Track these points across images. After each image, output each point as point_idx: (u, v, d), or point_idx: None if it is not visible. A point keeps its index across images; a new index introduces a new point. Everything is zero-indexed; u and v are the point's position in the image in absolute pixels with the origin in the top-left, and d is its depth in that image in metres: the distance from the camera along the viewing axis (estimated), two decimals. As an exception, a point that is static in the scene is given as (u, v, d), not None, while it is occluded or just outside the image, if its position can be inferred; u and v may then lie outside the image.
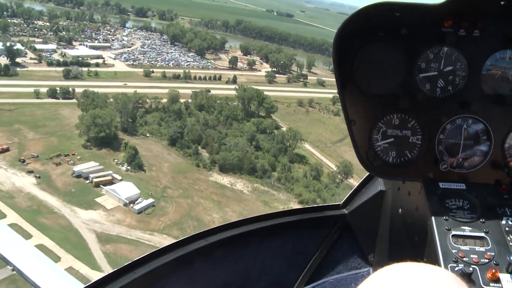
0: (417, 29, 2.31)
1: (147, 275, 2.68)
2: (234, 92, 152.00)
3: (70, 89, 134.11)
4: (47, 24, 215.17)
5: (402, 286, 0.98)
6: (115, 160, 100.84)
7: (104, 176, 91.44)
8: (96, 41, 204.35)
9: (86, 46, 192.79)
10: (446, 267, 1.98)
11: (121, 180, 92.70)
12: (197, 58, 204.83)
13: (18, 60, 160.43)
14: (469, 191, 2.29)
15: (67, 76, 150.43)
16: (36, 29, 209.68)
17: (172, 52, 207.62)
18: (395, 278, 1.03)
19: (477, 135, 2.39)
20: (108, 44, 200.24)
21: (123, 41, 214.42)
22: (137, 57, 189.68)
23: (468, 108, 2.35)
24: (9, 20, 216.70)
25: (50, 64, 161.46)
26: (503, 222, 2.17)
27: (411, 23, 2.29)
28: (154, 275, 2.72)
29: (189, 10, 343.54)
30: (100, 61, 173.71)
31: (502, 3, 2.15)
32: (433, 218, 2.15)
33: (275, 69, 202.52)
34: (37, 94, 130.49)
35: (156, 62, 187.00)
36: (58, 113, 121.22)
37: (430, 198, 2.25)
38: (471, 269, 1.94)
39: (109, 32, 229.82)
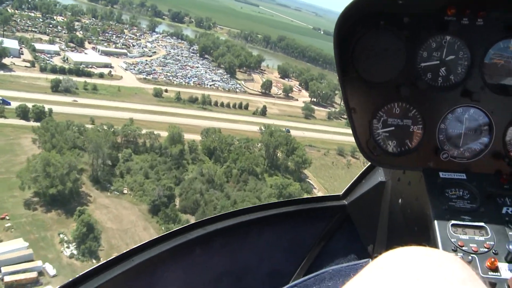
0: (419, 18, 2.26)
1: (146, 262, 2.66)
2: (259, 130, 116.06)
3: (47, 109, 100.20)
4: (66, 20, 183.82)
5: (408, 268, 0.98)
6: (61, 235, 65.75)
7: (25, 271, 56.47)
8: (114, 46, 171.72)
9: (98, 51, 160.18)
10: None
11: (54, 276, 57.69)
12: (225, 77, 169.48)
13: (6, 61, 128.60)
14: (470, 181, 2.26)
15: (55, 88, 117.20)
16: (50, 26, 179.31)
17: (197, 67, 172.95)
18: (400, 261, 1.03)
19: (478, 125, 2.36)
20: (125, 51, 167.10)
21: (144, 48, 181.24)
22: (154, 70, 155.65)
23: (470, 97, 2.30)
24: (22, 13, 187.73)
25: (43, 69, 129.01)
26: (503, 211, 2.15)
27: (414, 12, 2.24)
28: (153, 263, 2.70)
29: (230, 20, 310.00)
30: (107, 71, 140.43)
31: None
32: (432, 207, 2.12)
33: (314, 100, 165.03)
34: (0, 111, 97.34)
35: (174, 79, 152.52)
36: (17, 143, 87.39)
37: (430, 188, 2.22)
38: (470, 258, 1.94)
39: (133, 36, 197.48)
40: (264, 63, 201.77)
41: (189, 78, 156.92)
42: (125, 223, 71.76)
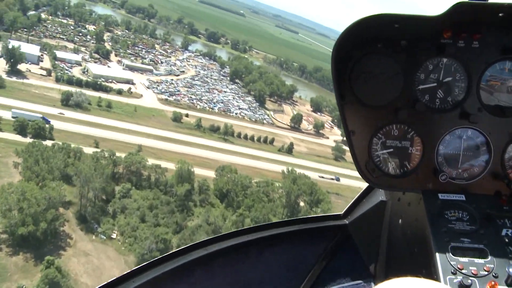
0: (416, 41, 2.28)
1: (146, 284, 2.65)
2: (282, 172, 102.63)
3: (47, 126, 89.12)
4: (97, 29, 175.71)
5: None
6: (22, 289, 53.20)
7: None
8: (141, 61, 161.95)
9: (122, 65, 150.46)
10: (444, 279, 1.96)
11: None
12: (254, 105, 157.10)
13: (22, 67, 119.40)
14: (469, 202, 2.26)
15: (65, 101, 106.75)
16: (80, 34, 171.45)
17: (225, 92, 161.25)
18: None
19: (476, 146, 2.35)
20: (151, 67, 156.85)
21: (173, 66, 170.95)
22: (178, 91, 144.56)
23: (468, 119, 2.30)
24: (55, 19, 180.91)
25: (59, 79, 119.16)
26: (503, 233, 2.13)
27: (411, 35, 2.27)
28: (154, 284, 2.68)
29: (267, 45, 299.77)
30: (127, 87, 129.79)
31: (500, 14, 2.14)
32: (432, 229, 2.12)
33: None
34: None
35: (198, 103, 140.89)
36: (4, 162, 76.03)
37: (429, 209, 2.21)
38: (469, 281, 1.92)
39: (164, 52, 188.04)
40: (297, 94, 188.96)
41: (214, 103, 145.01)
42: (104, 279, 58.52)
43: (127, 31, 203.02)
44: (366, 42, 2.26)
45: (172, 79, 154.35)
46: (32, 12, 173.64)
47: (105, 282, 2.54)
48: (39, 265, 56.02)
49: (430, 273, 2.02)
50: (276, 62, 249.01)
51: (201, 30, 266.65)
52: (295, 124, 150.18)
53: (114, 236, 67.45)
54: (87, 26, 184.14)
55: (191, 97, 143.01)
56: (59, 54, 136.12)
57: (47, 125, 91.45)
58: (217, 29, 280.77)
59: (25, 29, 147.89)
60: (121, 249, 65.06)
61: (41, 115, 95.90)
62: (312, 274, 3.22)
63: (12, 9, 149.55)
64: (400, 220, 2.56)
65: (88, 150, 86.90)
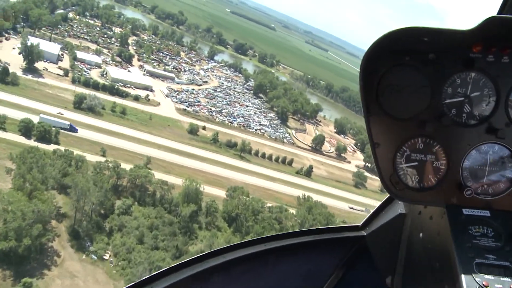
0: (444, 54, 2.27)
1: None
2: (297, 198, 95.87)
3: (53, 129, 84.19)
4: (122, 32, 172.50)
5: None
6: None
7: None
8: (164, 67, 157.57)
9: (144, 70, 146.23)
10: None
11: None
12: (275, 122, 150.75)
13: (39, 65, 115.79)
14: (494, 218, 2.22)
15: (78, 104, 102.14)
16: (105, 36, 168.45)
17: (247, 106, 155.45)
18: None
19: (502, 162, 2.32)
20: (173, 75, 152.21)
21: (196, 76, 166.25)
22: (198, 101, 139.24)
23: (495, 134, 2.28)
24: (82, 19, 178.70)
25: (75, 81, 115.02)
26: None
27: (439, 48, 2.26)
28: None
29: (295, 60, 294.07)
30: (145, 94, 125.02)
31: None
32: (456, 244, 2.09)
33: (369, 165, 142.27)
34: (1, 123, 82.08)
35: (217, 115, 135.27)
36: (2, 164, 71.05)
37: (453, 224, 2.19)
38: None
39: (188, 60, 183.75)
40: (321, 113, 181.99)
41: (234, 117, 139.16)
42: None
43: (153, 36, 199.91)
44: (394, 55, 2.26)
45: (193, 89, 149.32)
46: (60, 11, 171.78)
47: (125, 286, 2.56)
48: (18, 285, 50.32)
49: None
50: (302, 78, 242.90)
51: (229, 41, 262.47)
52: (317, 145, 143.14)
53: (106, 257, 61.51)
54: (113, 28, 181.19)
55: (210, 109, 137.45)
56: (80, 54, 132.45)
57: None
58: (245, 40, 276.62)
59: (49, 27, 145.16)
60: (111, 272, 59.06)
61: (69, 123, 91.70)
62: (329, 285, 3.21)
63: (39, 7, 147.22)
64: (420, 234, 2.54)
65: (93, 158, 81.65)
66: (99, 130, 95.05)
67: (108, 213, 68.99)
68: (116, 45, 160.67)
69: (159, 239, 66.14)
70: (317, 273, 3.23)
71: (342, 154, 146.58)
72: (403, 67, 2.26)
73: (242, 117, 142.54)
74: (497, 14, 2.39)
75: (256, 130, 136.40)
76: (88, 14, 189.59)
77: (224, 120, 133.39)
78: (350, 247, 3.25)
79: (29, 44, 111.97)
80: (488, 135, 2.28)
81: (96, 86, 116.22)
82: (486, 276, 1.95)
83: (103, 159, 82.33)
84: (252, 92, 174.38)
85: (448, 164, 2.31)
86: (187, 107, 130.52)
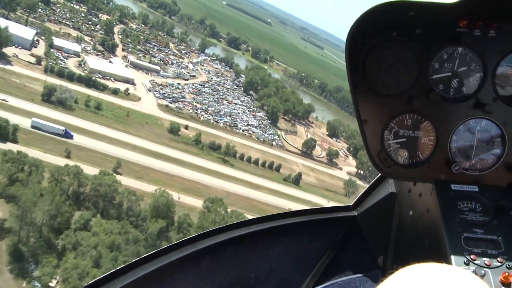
0: (431, 29, 2.24)
1: (155, 272, 2.65)
2: (283, 209, 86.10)
3: (10, 125, 73.88)
4: (107, 19, 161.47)
5: (425, 286, 0.95)
6: None
7: None
8: (150, 59, 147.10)
9: (127, 61, 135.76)
10: None
11: None
12: (264, 122, 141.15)
13: (9, 51, 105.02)
14: (482, 193, 2.22)
15: (47, 96, 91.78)
16: (89, 23, 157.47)
17: (236, 104, 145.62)
18: (417, 278, 0.99)
19: (490, 137, 2.32)
20: (158, 68, 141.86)
21: (183, 69, 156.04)
22: (183, 97, 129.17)
23: (482, 109, 2.27)
24: (67, 3, 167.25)
25: (48, 70, 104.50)
26: None
27: (425, 23, 2.23)
28: (162, 272, 2.69)
29: (289, 57, 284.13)
30: (125, 87, 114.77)
31: None
32: (444, 220, 2.10)
33: (361, 172, 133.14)
34: (-50, 116, 71.76)
35: (203, 113, 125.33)
36: None
37: (442, 200, 2.19)
38: (482, 272, 1.91)
39: (177, 52, 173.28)
40: (314, 114, 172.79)
41: (221, 116, 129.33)
42: None
43: (143, 25, 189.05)
44: (380, 30, 2.22)
45: (179, 83, 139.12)
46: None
47: (114, 269, 2.55)
48: None
49: (442, 263, 1.82)
50: (296, 76, 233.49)
51: (222, 34, 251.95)
52: (307, 149, 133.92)
53: (52, 283, 51.75)
54: (100, 15, 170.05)
55: (195, 106, 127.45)
56: (57, 41, 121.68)
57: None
58: (240, 34, 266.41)
59: (27, 10, 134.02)
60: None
61: (63, 128, 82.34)
62: (320, 265, 3.21)
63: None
64: (410, 212, 2.54)
65: (55, 160, 71.78)
66: (67, 127, 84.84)
67: (63, 228, 59.12)
68: (100, 33, 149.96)
69: (119, 260, 56.32)
70: (309, 254, 3.20)
71: (334, 160, 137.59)
72: (389, 43, 2.23)
73: (229, 116, 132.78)
74: None
75: (243, 130, 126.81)
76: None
77: (210, 119, 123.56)
78: (341, 227, 3.23)
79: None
80: (475, 110, 2.27)
81: (71, 77, 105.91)
82: (474, 250, 1.96)
83: (66, 162, 72.42)
84: (242, 89, 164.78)
85: (436, 140, 2.30)
86: (170, 103, 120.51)
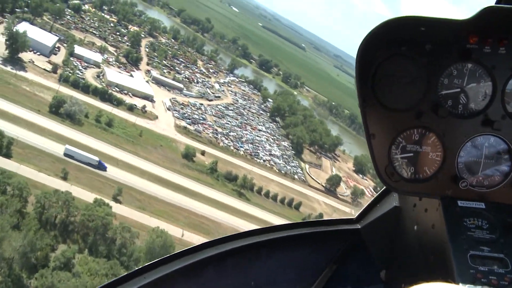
0: (441, 45, 2.25)
1: (157, 281, 2.66)
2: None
3: (5, 137, 66.52)
4: (136, 31, 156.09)
5: None
6: None
7: None
8: (174, 76, 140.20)
9: (150, 76, 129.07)
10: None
11: None
12: (288, 153, 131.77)
13: (26, 56, 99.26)
14: (489, 211, 2.21)
15: (55, 108, 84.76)
16: (117, 33, 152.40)
17: (260, 131, 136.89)
18: None
19: (498, 154, 2.31)
20: (181, 85, 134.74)
21: (209, 89, 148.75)
22: (203, 119, 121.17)
23: (491, 126, 2.26)
24: (97, 13, 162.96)
25: (63, 80, 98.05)
26: None
27: (436, 39, 2.23)
28: (164, 281, 2.69)
29: (321, 84, 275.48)
30: (142, 104, 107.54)
31: None
32: (450, 236, 2.09)
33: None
34: None
35: (223, 138, 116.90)
36: None
37: (448, 216, 2.19)
38: None
39: (205, 71, 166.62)
40: (341, 147, 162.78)
41: (242, 143, 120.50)
42: None
43: (173, 40, 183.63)
44: (390, 45, 2.23)
45: (201, 104, 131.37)
46: (75, 1, 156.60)
47: (117, 277, 2.56)
48: None
49: (448, 281, 1.98)
50: (326, 105, 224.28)
51: (254, 55, 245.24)
52: (331, 186, 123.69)
53: None
54: (130, 27, 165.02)
55: (216, 130, 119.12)
56: (78, 50, 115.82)
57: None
58: (272, 57, 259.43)
59: (55, 16, 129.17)
60: None
61: (97, 159, 76.08)
62: (322, 278, 3.19)
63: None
64: (415, 227, 2.53)
65: (48, 181, 64.00)
66: (71, 143, 77.21)
67: (39, 265, 50.70)
68: (127, 45, 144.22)
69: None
70: (311, 266, 3.19)
71: (359, 199, 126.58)
72: (399, 58, 2.23)
73: (251, 143, 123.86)
74: (495, 4, 2.34)
75: (264, 161, 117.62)
76: (106, 8, 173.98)
77: (230, 146, 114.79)
78: (344, 240, 3.21)
79: (14, 29, 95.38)
80: (484, 127, 2.26)
81: (86, 89, 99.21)
82: (481, 268, 1.95)
83: (61, 184, 64.60)
84: (268, 114, 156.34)
85: (443, 156, 2.28)
86: (189, 124, 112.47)
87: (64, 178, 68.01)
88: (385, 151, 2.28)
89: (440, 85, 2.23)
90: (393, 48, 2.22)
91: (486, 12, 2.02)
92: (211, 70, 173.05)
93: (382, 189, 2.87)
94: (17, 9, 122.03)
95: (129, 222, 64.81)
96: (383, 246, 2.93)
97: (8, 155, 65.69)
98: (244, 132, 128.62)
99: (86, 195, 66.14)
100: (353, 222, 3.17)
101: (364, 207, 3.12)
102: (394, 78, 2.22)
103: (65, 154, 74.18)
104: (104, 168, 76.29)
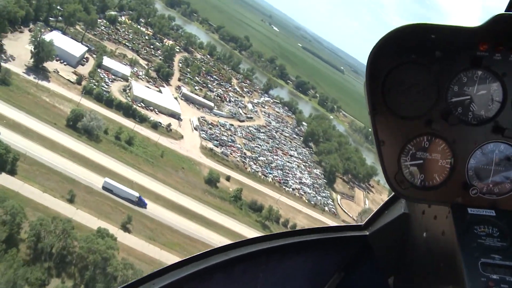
0: (451, 52, 2.26)
1: (167, 286, 2.70)
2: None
3: (11, 152, 61.13)
4: (171, 45, 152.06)
5: None
6: None
7: None
8: (205, 93, 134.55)
9: (179, 93, 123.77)
10: None
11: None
12: (319, 182, 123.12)
13: (51, 65, 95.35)
14: (499, 218, 2.20)
15: (72, 122, 79.58)
16: (151, 46, 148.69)
17: (291, 156, 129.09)
18: None
19: (508, 161, 2.30)
20: (212, 104, 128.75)
21: (241, 109, 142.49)
22: (232, 141, 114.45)
23: (502, 133, 2.26)
24: (134, 25, 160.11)
25: (86, 92, 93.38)
26: None
27: (446, 46, 2.24)
28: (174, 287, 2.73)
29: (358, 109, 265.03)
30: (168, 121, 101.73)
31: None
32: (461, 244, 2.09)
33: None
34: None
35: (251, 163, 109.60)
36: None
37: (458, 224, 2.18)
38: None
39: (239, 89, 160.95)
40: (376, 178, 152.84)
41: (271, 169, 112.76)
42: None
43: (208, 56, 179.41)
44: (400, 53, 2.23)
45: (232, 125, 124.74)
46: (112, 12, 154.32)
47: (126, 284, 2.60)
48: None
49: None
50: (362, 131, 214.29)
51: (291, 76, 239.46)
52: (363, 220, 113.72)
53: None
54: (165, 40, 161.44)
55: (245, 154, 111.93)
56: (107, 61, 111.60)
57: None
58: (309, 78, 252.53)
59: (88, 26, 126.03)
60: None
61: (138, 195, 70.80)
62: (331, 284, 3.23)
63: (84, 4, 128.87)
64: (424, 233, 2.52)
65: (53, 204, 58.18)
66: (84, 162, 71.53)
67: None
68: (160, 59, 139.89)
69: None
70: (320, 272, 3.22)
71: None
72: (409, 65, 2.23)
73: (281, 169, 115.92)
74: (505, 11, 2.34)
75: (293, 189, 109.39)
76: (143, 21, 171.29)
77: (257, 171, 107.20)
78: (352, 246, 3.23)
79: (42, 39, 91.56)
80: (494, 134, 2.26)
81: (109, 103, 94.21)
82: (492, 276, 1.93)
83: (66, 207, 58.61)
84: (301, 139, 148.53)
85: (453, 163, 2.28)
86: (215, 146, 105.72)
87: (71, 200, 61.94)
88: (395, 158, 2.28)
89: (450, 93, 2.23)
90: (404, 56, 2.21)
91: (497, 20, 2.02)
92: (245, 89, 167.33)
93: (391, 195, 2.89)
94: (51, 18, 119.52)
95: (136, 254, 58.19)
96: (391, 252, 2.92)
97: (12, 172, 60.21)
98: (274, 157, 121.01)
99: (92, 222, 59.85)
100: (362, 229, 3.17)
101: (372, 214, 3.11)
102: (404, 85, 2.22)
103: (104, 188, 68.71)
104: (144, 205, 70.47)
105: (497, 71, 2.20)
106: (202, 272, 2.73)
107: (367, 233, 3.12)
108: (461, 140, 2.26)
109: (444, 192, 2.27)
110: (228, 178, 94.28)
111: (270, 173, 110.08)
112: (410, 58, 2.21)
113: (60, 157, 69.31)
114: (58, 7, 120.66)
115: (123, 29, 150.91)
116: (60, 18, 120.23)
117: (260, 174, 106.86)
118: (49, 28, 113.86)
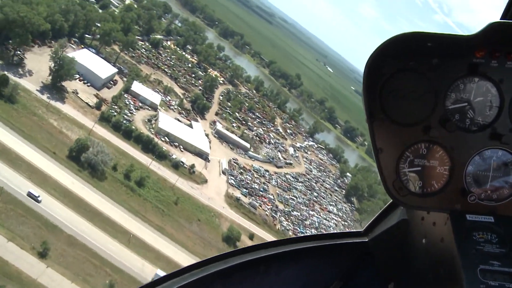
0: (448, 59, 2.28)
1: None
2: None
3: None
4: (215, 75, 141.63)
5: None
6: None
7: None
8: (243, 132, 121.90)
9: (213, 129, 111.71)
10: None
11: None
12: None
13: (71, 85, 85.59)
14: (498, 224, 2.22)
15: (76, 153, 68.11)
16: (192, 75, 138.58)
17: (330, 212, 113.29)
18: None
19: (506, 167, 2.32)
20: (248, 145, 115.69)
21: (281, 153, 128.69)
22: (264, 190, 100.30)
23: (499, 140, 2.28)
24: (178, 52, 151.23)
25: (103, 119, 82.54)
26: None
27: (443, 54, 2.27)
28: None
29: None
30: (192, 161, 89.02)
31: None
32: (459, 251, 2.09)
33: None
34: None
35: (282, 218, 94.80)
36: None
37: (457, 230, 2.19)
38: None
39: (281, 131, 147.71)
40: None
41: (304, 227, 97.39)
42: None
43: (254, 91, 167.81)
44: (398, 60, 2.26)
45: (267, 170, 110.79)
46: (157, 36, 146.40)
47: None
48: None
49: None
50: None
51: (340, 120, 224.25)
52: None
53: None
54: (209, 70, 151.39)
55: (276, 206, 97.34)
56: (136, 86, 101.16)
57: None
58: (359, 125, 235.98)
59: (126, 47, 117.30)
60: None
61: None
62: None
63: (130, 23, 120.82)
64: (424, 240, 2.52)
65: (16, 260, 45.73)
66: (75, 204, 59.20)
67: None
68: (199, 89, 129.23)
69: None
70: (319, 280, 3.21)
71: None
72: (407, 72, 2.25)
73: (316, 228, 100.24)
74: (501, 19, 2.38)
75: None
76: (190, 48, 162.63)
77: (288, 230, 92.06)
78: (352, 253, 3.22)
79: (63, 55, 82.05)
80: (492, 140, 2.28)
81: (128, 134, 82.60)
82: (491, 283, 1.94)
83: (33, 264, 46.06)
84: (343, 192, 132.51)
85: (451, 170, 2.29)
86: (244, 195, 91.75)
87: (43, 255, 49.35)
88: (393, 165, 2.29)
89: (448, 99, 2.25)
90: (401, 63, 2.24)
91: (492, 27, 2.06)
92: (288, 131, 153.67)
93: (390, 202, 2.88)
94: (87, 35, 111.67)
95: None
96: (391, 259, 2.93)
97: None
98: (310, 212, 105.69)
99: (65, 285, 46.93)
100: (361, 235, 3.17)
101: (371, 220, 3.11)
102: (402, 92, 2.24)
103: None
104: None
105: (494, 78, 2.22)
106: (200, 280, 2.70)
107: (367, 240, 3.10)
108: (459, 147, 2.27)
109: (442, 199, 2.28)
110: (251, 237, 79.79)
111: (302, 232, 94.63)
112: (408, 66, 2.23)
113: (48, 195, 57.40)
114: (98, 24, 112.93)
115: (166, 54, 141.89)
116: (98, 36, 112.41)
117: (291, 233, 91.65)
118: (82, 46, 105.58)
